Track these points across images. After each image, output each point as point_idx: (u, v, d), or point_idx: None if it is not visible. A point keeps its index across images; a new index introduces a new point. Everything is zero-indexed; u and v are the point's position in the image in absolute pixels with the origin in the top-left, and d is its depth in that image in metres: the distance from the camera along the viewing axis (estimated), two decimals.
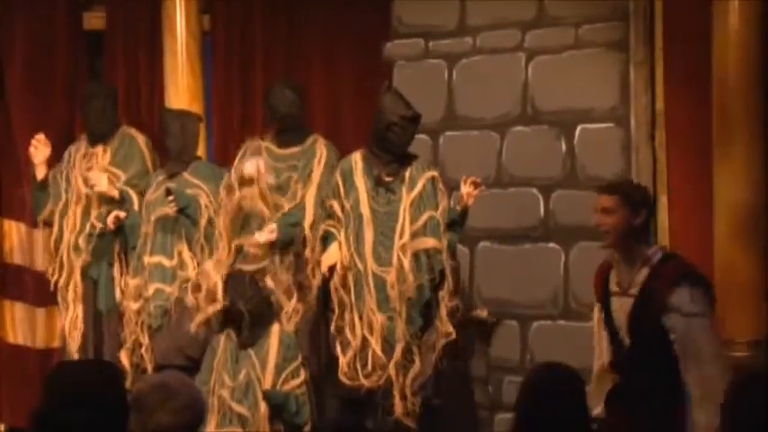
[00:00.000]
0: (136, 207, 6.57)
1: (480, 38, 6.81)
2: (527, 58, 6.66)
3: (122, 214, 6.50)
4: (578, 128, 6.51)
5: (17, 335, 7.20)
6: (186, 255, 6.42)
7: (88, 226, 6.60)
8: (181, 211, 6.36)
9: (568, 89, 6.52)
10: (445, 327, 6.04)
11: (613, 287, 4.57)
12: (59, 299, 6.71)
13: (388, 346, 5.98)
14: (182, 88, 7.08)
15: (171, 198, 6.32)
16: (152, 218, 6.49)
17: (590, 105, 6.47)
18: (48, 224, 6.74)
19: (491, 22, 6.77)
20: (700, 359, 4.36)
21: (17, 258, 7.18)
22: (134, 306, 6.44)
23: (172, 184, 6.41)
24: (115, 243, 6.58)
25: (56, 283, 6.70)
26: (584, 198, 6.41)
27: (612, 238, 4.51)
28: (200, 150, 6.85)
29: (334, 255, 6.11)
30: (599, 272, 4.71)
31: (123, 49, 7.30)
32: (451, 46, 6.90)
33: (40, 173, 6.67)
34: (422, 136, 6.67)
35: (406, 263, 5.97)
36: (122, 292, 6.53)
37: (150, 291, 6.39)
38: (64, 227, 6.65)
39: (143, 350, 6.38)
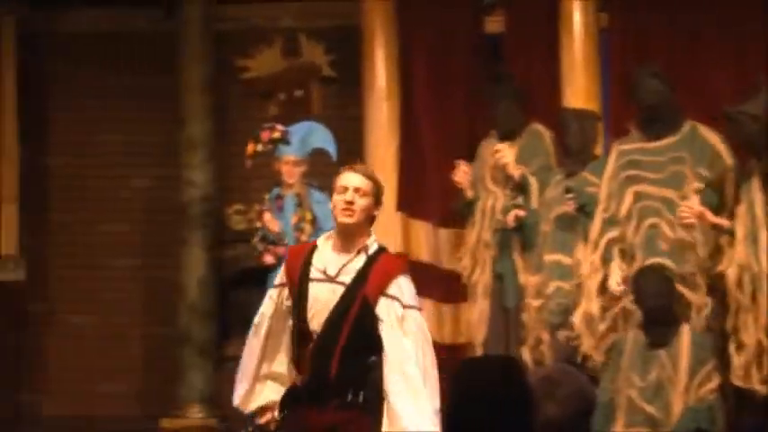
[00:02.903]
0: (535, 197, 6.65)
1: None
2: None
3: (522, 213, 6.61)
4: None
5: None
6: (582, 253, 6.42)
7: (494, 221, 6.78)
8: (580, 209, 6.39)
9: None
10: None
11: (315, 273, 4.44)
12: (470, 294, 6.90)
13: None
14: (578, 87, 7.11)
15: (570, 196, 6.36)
16: (551, 216, 6.56)
17: None
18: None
19: None
20: (405, 352, 4.36)
21: (424, 257, 7.45)
22: (535, 303, 6.52)
23: (571, 183, 6.45)
24: (516, 240, 6.72)
25: (468, 279, 6.89)
26: None
27: (357, 218, 4.44)
28: (598, 149, 6.86)
29: None
30: (298, 254, 4.53)
31: (520, 50, 7.42)
32: None
33: (469, 193, 6.88)
34: None
35: None
36: (523, 288, 6.65)
37: (551, 288, 6.43)
38: (478, 223, 6.84)
39: (544, 347, 6.46)
